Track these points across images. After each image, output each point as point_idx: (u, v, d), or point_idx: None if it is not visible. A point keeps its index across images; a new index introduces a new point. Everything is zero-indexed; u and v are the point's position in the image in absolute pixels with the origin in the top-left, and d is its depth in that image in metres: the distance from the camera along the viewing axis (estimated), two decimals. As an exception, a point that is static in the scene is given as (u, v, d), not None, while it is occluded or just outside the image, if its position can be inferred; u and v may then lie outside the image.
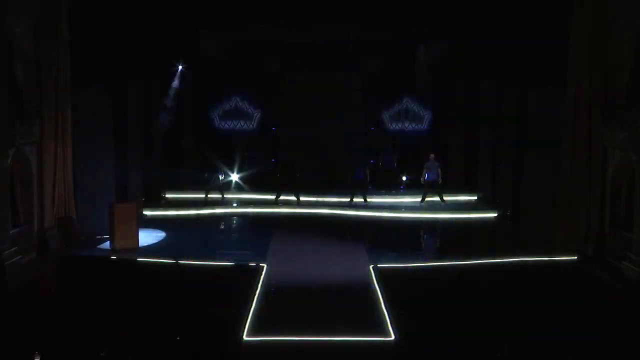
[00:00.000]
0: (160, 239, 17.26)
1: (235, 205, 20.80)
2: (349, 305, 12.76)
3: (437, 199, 21.01)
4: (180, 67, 22.19)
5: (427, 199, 21.05)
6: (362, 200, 21.11)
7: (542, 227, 16.72)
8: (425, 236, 18.29)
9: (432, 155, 20.81)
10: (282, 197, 21.21)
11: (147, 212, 19.75)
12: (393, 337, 11.14)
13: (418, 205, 20.85)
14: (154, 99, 21.05)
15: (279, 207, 20.79)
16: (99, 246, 16.26)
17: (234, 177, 22.02)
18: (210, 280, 14.06)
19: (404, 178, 22.60)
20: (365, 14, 19.20)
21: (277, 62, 22.48)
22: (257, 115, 23.57)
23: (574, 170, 15.80)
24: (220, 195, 21.31)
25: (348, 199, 21.17)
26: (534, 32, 18.11)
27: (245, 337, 11.12)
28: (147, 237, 17.04)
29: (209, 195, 21.33)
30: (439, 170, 20.84)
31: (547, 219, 16.68)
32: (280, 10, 19.15)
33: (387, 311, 12.13)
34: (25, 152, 14.94)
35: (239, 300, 12.66)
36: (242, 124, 23.53)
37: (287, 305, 12.64)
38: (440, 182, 20.93)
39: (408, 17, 19.29)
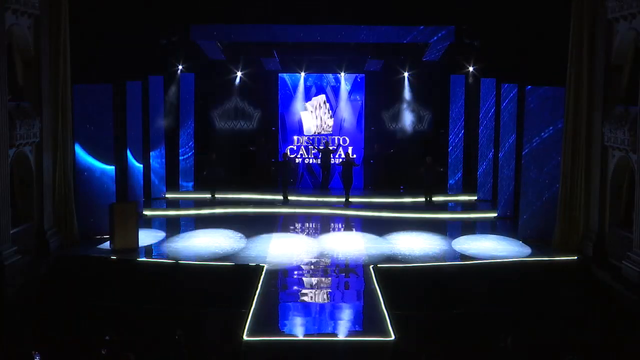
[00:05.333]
0: (161, 239, 17.25)
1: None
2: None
3: (436, 199, 21.05)
4: (180, 67, 22.20)
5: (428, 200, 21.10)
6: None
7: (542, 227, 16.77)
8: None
9: (428, 158, 20.84)
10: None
11: (147, 212, 19.75)
12: (393, 337, 11.15)
13: (423, 205, 20.86)
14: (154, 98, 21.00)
15: (279, 207, 20.79)
16: (99, 246, 16.25)
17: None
18: (210, 281, 14.06)
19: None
20: (364, 12, 19.18)
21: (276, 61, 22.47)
22: (257, 115, 23.55)
23: (573, 170, 15.81)
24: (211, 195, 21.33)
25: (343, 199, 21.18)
26: (534, 30, 18.12)
27: (245, 337, 11.13)
28: (147, 237, 17.03)
29: (216, 195, 21.32)
30: (434, 172, 20.87)
31: (547, 219, 16.71)
32: (280, 10, 19.14)
33: (387, 311, 12.14)
34: (25, 152, 14.94)
35: (239, 300, 12.67)
36: (242, 124, 23.50)
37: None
38: (432, 184, 20.95)
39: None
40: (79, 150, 16.84)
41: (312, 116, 23.19)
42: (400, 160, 22.72)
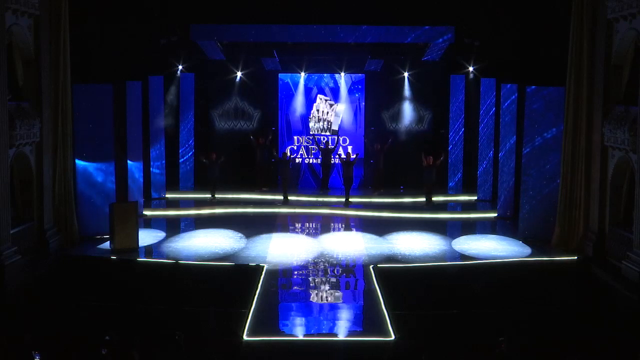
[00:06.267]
0: (161, 239, 17.26)
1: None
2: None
3: (436, 199, 21.03)
4: (180, 67, 22.22)
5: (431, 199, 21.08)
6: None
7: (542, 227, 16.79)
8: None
9: (429, 158, 20.83)
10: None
11: (147, 212, 19.76)
12: (393, 337, 11.14)
13: (424, 207, 20.78)
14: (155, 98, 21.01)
15: (279, 207, 20.79)
16: (99, 246, 16.26)
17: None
18: (210, 281, 14.06)
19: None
20: (365, 12, 19.21)
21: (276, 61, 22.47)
22: (257, 115, 23.55)
23: (573, 170, 15.81)
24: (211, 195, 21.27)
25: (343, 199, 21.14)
26: (534, 30, 18.13)
27: (245, 337, 11.13)
28: (147, 237, 17.04)
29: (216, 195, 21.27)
30: (433, 173, 20.79)
31: (547, 219, 16.72)
32: (280, 10, 19.17)
33: (387, 311, 12.13)
34: (25, 152, 14.94)
35: (239, 300, 12.67)
36: (242, 124, 23.52)
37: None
38: (433, 184, 20.88)
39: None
40: (78, 150, 16.84)
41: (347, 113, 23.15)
42: (400, 160, 22.70)
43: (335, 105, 23.06)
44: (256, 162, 22.35)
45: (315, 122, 23.08)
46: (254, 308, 12.31)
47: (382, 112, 23.33)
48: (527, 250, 16.22)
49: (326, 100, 23.07)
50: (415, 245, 16.74)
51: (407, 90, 23.11)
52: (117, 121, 17.80)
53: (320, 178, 22.76)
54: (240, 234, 17.61)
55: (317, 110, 23.08)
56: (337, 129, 23.06)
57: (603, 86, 15.15)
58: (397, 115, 23.31)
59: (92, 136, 16.99)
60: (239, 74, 22.96)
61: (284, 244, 16.87)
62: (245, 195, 21.69)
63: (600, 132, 15.22)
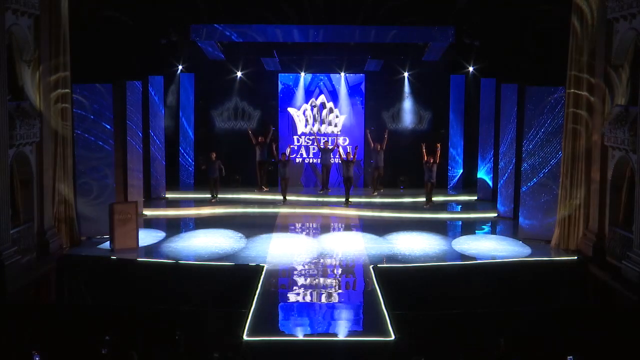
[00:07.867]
0: (161, 239, 17.25)
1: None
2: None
3: (436, 199, 21.00)
4: (180, 67, 22.22)
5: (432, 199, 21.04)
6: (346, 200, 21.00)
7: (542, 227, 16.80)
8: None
9: (430, 157, 20.80)
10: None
11: (147, 212, 19.75)
12: (393, 337, 11.15)
13: (423, 207, 20.69)
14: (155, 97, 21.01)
15: (279, 207, 20.78)
16: (99, 246, 16.26)
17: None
18: (210, 281, 14.06)
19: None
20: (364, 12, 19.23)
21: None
22: (257, 115, 23.54)
23: (573, 170, 15.82)
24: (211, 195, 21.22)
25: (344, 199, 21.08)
26: (534, 30, 18.14)
27: (245, 337, 11.13)
28: (147, 237, 17.04)
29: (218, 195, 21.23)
30: (433, 172, 20.70)
31: (547, 219, 16.73)
32: (280, 10, 19.18)
33: (387, 311, 12.14)
34: (25, 152, 14.94)
35: (239, 300, 12.67)
36: (242, 124, 23.51)
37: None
38: (433, 183, 20.79)
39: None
40: (78, 150, 16.84)
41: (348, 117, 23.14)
42: (400, 160, 22.68)
43: (335, 108, 23.08)
44: (256, 161, 22.30)
45: (307, 123, 23.09)
46: (254, 308, 12.30)
47: (382, 112, 23.32)
48: (527, 250, 16.23)
49: (325, 102, 23.08)
50: (415, 245, 16.74)
51: (407, 90, 23.10)
52: (117, 121, 17.80)
53: (321, 175, 22.75)
54: (240, 234, 17.61)
55: (312, 111, 23.09)
56: (336, 129, 23.08)
57: (603, 86, 15.15)
58: (397, 115, 23.31)
59: (92, 136, 16.98)
60: (239, 74, 22.94)
61: (284, 244, 16.87)
62: (245, 195, 21.70)
63: (600, 132, 15.22)
